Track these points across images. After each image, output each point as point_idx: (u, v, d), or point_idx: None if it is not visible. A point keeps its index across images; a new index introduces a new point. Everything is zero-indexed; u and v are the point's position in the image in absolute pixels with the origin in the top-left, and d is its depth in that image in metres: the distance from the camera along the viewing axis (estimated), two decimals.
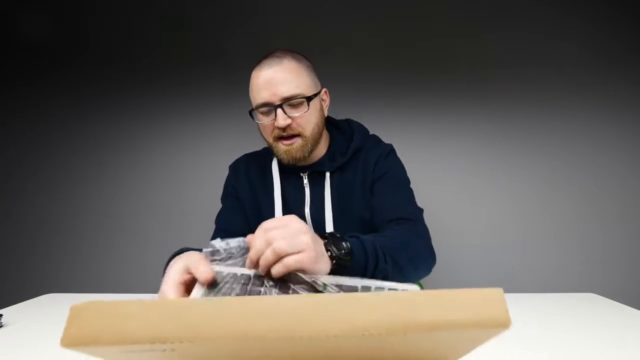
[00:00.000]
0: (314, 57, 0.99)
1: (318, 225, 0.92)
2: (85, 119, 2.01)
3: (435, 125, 1.91)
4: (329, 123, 1.02)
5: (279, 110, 0.83)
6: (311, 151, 0.90)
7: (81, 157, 2.00)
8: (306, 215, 0.93)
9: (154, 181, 1.98)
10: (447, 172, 1.90)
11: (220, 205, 1.02)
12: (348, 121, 1.03)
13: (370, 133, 1.03)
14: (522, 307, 0.73)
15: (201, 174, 1.96)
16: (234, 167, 1.03)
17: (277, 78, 0.84)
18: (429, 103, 1.92)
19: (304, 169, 0.94)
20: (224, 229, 0.95)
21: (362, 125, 1.02)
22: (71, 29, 2.02)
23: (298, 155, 0.87)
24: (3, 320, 0.64)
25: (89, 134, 2.00)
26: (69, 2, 2.01)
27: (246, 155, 1.05)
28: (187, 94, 1.98)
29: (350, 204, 0.92)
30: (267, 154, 1.01)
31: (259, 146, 1.10)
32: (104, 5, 2.00)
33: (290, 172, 0.95)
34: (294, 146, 0.86)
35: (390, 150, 0.99)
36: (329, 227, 0.90)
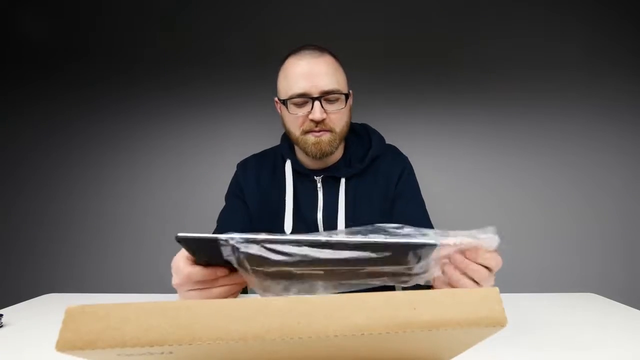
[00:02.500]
0: None
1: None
2: (84, 119, 2.00)
3: (433, 126, 1.91)
4: None
5: (317, 103, 0.81)
6: (337, 148, 0.89)
7: (81, 157, 2.00)
8: (318, 220, 0.91)
9: (154, 181, 1.98)
10: (445, 171, 1.90)
11: (223, 204, 1.01)
12: (365, 126, 1.02)
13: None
14: (520, 306, 0.73)
15: (201, 174, 1.96)
16: (243, 166, 1.00)
17: (319, 70, 0.82)
18: (428, 104, 1.92)
19: (318, 172, 0.93)
20: (222, 228, 0.95)
21: (378, 132, 1.01)
22: (71, 29, 2.02)
23: (327, 149, 0.86)
24: (3, 320, 0.64)
25: (88, 133, 2.00)
26: (69, 2, 2.01)
27: (255, 156, 1.03)
28: (186, 93, 1.98)
29: (364, 212, 0.91)
30: (277, 154, 1.00)
31: (259, 146, 1.10)
32: (104, 6, 2.00)
33: (303, 175, 0.94)
34: (324, 139, 0.85)
35: (410, 167, 1.00)
36: None
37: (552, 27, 1.89)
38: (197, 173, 1.97)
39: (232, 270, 0.56)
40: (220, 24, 1.97)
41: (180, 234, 0.48)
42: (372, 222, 0.90)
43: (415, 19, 1.92)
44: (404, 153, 1.03)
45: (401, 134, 1.88)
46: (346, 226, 0.89)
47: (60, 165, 2.00)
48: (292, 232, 0.90)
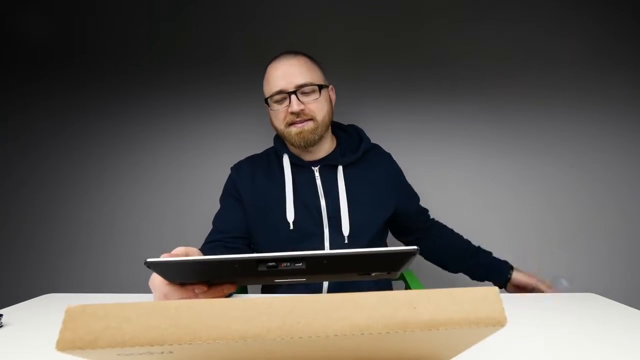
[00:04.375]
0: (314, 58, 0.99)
1: (334, 217, 0.94)
2: (84, 119, 2.01)
3: (433, 125, 1.91)
4: (336, 127, 1.07)
5: (293, 96, 0.89)
6: (321, 137, 0.94)
7: (80, 157, 2.00)
8: (322, 207, 0.94)
9: (153, 181, 1.98)
10: (446, 172, 1.90)
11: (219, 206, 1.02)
12: (353, 126, 1.08)
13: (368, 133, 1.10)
14: (521, 307, 0.73)
15: (200, 175, 1.96)
16: (237, 168, 1.04)
17: (293, 69, 0.91)
18: (428, 103, 1.92)
19: (315, 163, 0.97)
20: (219, 228, 0.96)
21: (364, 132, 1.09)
22: (70, 29, 2.02)
23: (310, 137, 0.92)
24: (3, 320, 0.64)
25: (88, 134, 2.00)
26: (68, 2, 2.01)
27: (249, 158, 1.07)
28: (186, 94, 1.98)
29: (364, 196, 0.96)
30: (270, 154, 1.04)
31: (259, 147, 1.11)
32: (103, 5, 2.00)
33: (300, 166, 0.98)
34: (306, 128, 0.91)
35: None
36: (345, 219, 0.93)
37: (553, 24, 1.89)
38: (198, 174, 1.97)
39: (210, 285, 0.56)
40: (221, 25, 1.97)
41: (149, 259, 0.47)
42: (372, 208, 0.97)
43: (414, 17, 1.92)
44: (403, 154, 1.11)
45: (399, 135, 1.89)
46: (349, 211, 0.93)
47: (60, 165, 2.01)
48: (295, 221, 0.93)
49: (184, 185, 1.98)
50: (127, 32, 2.01)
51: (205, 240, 0.95)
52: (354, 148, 1.00)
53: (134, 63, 2.00)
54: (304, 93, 0.90)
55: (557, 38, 1.89)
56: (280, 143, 1.01)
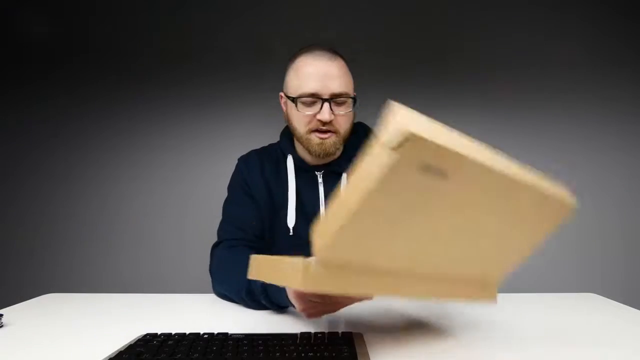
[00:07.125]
0: None
1: None
2: (84, 119, 2.01)
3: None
4: None
5: (326, 105, 0.83)
6: (339, 149, 0.91)
7: (80, 157, 2.00)
8: (321, 215, 0.91)
9: (153, 181, 1.98)
10: None
11: (225, 195, 0.99)
12: (362, 125, 1.03)
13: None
14: (521, 307, 0.73)
15: (200, 174, 1.96)
16: (245, 161, 1.00)
17: (332, 73, 0.84)
18: (428, 104, 1.92)
19: (319, 168, 0.94)
20: (239, 226, 0.92)
21: (375, 131, 1.02)
22: (71, 29, 2.02)
23: (331, 150, 0.88)
24: (3, 320, 0.63)
25: (88, 133, 2.00)
26: (68, 2, 2.01)
27: (256, 151, 1.02)
28: (186, 93, 1.98)
29: None
30: (277, 151, 1.00)
31: (259, 145, 1.10)
32: (103, 5, 2.00)
33: (304, 170, 0.95)
34: (329, 140, 0.87)
35: None
36: None
37: (553, 25, 1.89)
38: (197, 172, 1.97)
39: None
40: (221, 24, 1.97)
41: None
42: None
43: (415, 17, 1.92)
44: None
45: None
46: None
47: (60, 164, 2.00)
48: (295, 227, 0.91)
49: (184, 184, 1.97)
50: (127, 32, 2.01)
51: (225, 237, 0.92)
52: (361, 152, 0.97)
53: (134, 63, 2.00)
54: (337, 103, 0.85)
55: (557, 40, 1.89)
56: (287, 141, 0.97)
